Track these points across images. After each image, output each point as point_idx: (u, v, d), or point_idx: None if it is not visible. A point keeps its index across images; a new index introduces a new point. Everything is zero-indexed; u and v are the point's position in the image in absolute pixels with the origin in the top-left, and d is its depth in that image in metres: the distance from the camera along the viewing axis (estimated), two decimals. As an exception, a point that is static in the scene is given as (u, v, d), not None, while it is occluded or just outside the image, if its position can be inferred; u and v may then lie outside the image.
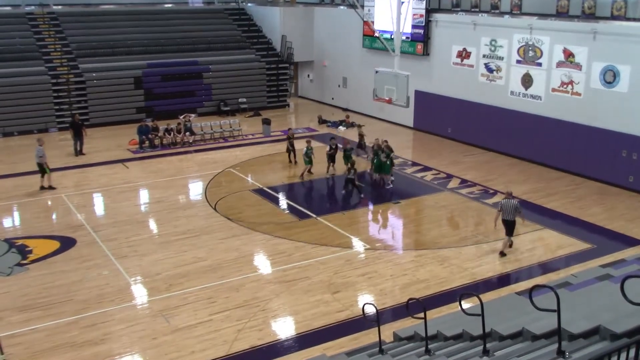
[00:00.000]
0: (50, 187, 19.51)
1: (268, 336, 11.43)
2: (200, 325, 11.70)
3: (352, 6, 24.50)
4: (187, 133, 25.18)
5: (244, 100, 31.04)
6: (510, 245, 15.02)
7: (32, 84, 26.83)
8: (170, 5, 34.28)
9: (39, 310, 12.28)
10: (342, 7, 31.35)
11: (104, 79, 28.22)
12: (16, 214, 17.90)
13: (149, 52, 30.28)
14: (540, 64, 21.68)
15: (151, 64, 29.52)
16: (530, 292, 6.63)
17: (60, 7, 31.14)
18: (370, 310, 10.39)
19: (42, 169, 19.42)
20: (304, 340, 11.31)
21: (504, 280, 13.67)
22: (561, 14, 21.16)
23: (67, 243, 15.52)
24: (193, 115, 27.19)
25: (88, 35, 30.17)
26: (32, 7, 30.20)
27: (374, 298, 12.76)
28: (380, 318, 9.22)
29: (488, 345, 7.11)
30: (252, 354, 10.87)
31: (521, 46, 22.26)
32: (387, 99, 20.57)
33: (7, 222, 17.29)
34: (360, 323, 11.33)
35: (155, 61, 29.77)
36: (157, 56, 30.16)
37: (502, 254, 14.76)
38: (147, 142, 24.29)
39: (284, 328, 11.80)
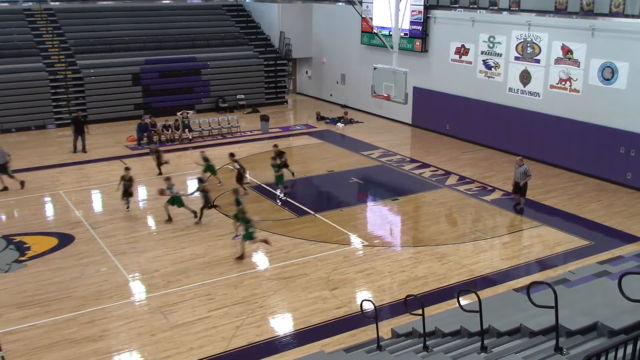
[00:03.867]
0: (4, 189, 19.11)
1: (266, 333, 11.45)
2: (199, 322, 11.71)
3: (351, 2, 24.44)
4: (185, 130, 25.15)
5: (242, 96, 31.00)
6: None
7: (29, 80, 26.76)
8: (168, 1, 34.18)
9: (37, 307, 12.28)
10: (340, 4, 31.30)
11: (102, 76, 28.16)
12: (14, 211, 17.87)
13: (147, 48, 30.23)
14: (538, 61, 21.68)
15: (149, 61, 29.47)
16: (528, 289, 6.65)
17: (57, 3, 31.04)
18: (369, 306, 10.39)
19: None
20: (302, 336, 11.32)
21: (501, 276, 13.68)
22: (560, 10, 21.15)
23: (65, 240, 15.52)
24: (191, 111, 27.14)
25: (86, 32, 30.08)
26: (30, 3, 30.10)
27: (372, 295, 12.77)
28: (378, 315, 9.24)
29: (486, 341, 7.13)
30: (251, 351, 10.88)
31: (519, 43, 22.24)
32: (385, 95, 20.56)
33: (5, 219, 17.28)
34: (358, 319, 11.33)
35: (153, 57, 29.71)
36: (155, 52, 30.10)
37: (522, 210, 17.26)
38: (145, 138, 24.27)
39: (282, 324, 11.81)
